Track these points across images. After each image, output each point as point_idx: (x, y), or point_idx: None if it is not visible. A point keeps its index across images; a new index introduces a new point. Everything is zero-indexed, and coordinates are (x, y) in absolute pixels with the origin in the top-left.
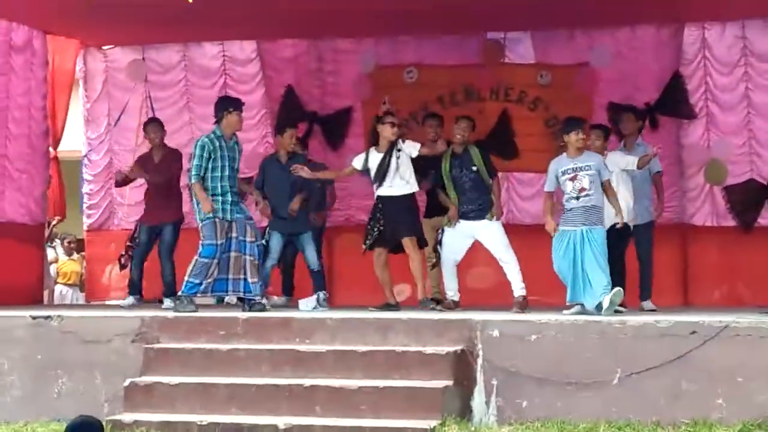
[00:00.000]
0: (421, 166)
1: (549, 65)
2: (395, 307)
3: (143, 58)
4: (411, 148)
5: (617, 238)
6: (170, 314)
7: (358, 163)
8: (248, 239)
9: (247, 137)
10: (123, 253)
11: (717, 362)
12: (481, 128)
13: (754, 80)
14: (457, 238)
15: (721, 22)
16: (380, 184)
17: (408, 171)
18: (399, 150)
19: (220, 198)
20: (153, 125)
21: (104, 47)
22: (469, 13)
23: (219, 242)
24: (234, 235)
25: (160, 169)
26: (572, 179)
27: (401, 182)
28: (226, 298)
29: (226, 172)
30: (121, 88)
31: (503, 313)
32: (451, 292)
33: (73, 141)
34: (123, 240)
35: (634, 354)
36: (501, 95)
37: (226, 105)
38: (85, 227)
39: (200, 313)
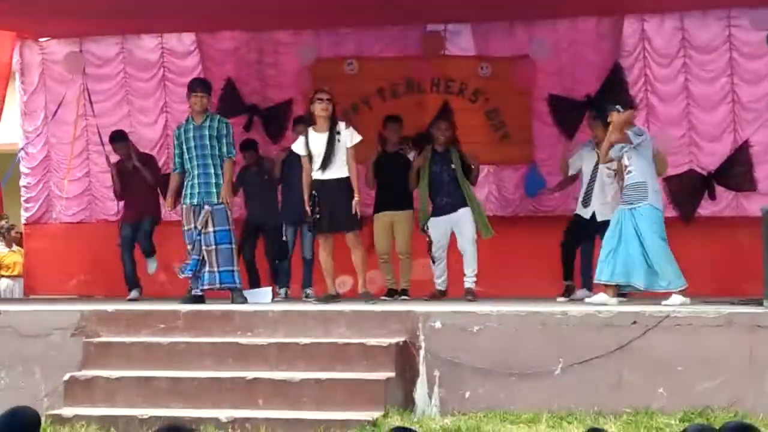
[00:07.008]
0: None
1: (489, 57)
2: (336, 297)
3: (81, 51)
4: (348, 137)
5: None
6: (110, 308)
7: (299, 148)
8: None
9: None
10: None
11: (658, 352)
12: (422, 120)
13: (692, 71)
14: (439, 231)
15: (660, 14)
16: (320, 168)
17: (343, 157)
18: (338, 133)
19: None
20: (120, 142)
21: (41, 39)
22: (409, 5)
23: None
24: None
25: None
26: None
27: (339, 165)
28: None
29: None
30: (59, 80)
31: (446, 304)
32: (439, 280)
33: (9, 133)
34: (61, 233)
35: (576, 344)
36: (442, 87)
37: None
38: (23, 220)
39: (139, 306)
